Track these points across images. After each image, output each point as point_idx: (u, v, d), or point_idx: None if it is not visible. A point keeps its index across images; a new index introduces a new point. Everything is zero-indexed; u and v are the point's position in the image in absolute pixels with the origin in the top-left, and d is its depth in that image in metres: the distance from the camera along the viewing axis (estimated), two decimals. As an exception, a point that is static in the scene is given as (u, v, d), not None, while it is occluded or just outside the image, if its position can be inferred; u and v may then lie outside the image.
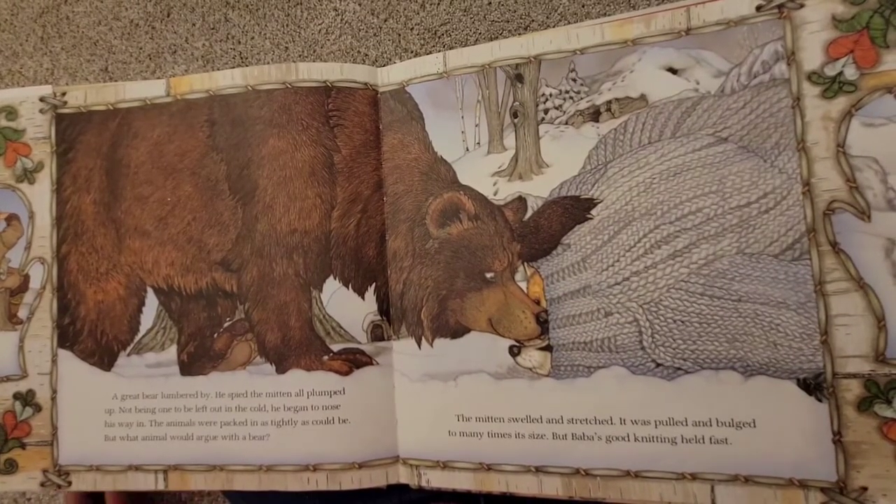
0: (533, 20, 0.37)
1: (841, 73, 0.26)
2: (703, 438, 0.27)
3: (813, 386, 0.26)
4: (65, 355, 0.36)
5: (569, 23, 0.36)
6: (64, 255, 0.37)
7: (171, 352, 0.35)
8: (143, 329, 0.36)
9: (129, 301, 0.36)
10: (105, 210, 0.36)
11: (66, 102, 0.37)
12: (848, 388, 0.25)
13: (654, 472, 0.28)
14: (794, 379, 0.26)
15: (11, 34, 0.39)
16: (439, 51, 0.39)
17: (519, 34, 0.37)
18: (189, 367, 0.35)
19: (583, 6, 0.36)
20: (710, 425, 0.27)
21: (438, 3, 0.38)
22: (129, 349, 0.36)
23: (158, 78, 0.36)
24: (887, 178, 0.25)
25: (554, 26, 0.36)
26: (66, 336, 0.36)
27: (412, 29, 0.38)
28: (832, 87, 0.26)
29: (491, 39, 0.38)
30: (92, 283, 0.36)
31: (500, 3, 0.38)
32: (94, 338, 0.36)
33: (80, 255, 0.36)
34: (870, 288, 0.25)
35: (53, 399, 0.36)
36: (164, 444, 0.35)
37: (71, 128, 0.37)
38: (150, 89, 0.36)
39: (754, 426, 0.26)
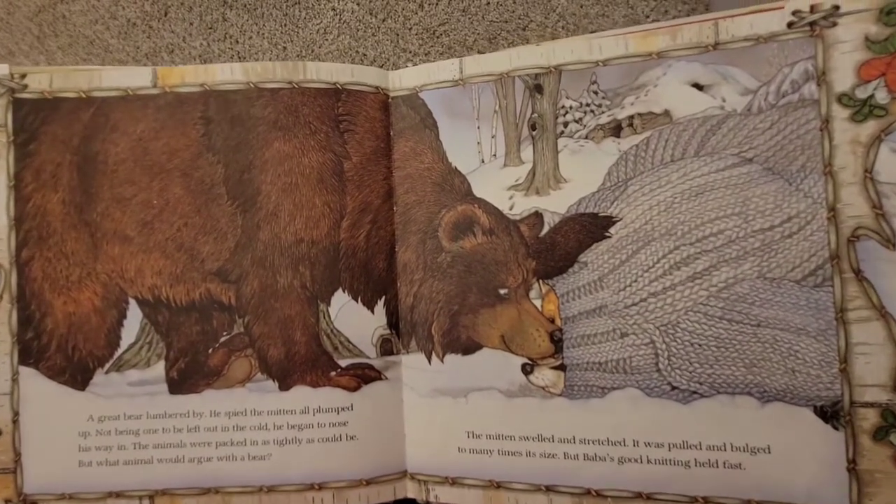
0: (531, 20, 0.34)
1: (872, 97, 0.23)
2: (716, 463, 0.25)
3: (830, 414, 0.23)
4: (28, 373, 0.28)
5: (567, 23, 0.32)
6: (25, 260, 0.28)
7: (158, 368, 0.29)
8: (124, 344, 0.29)
9: (106, 313, 0.29)
10: (76, 211, 0.29)
11: (26, 86, 0.29)
12: (865, 418, 0.23)
13: (665, 495, 0.25)
14: (811, 406, 0.23)
15: (7, 33, 0.33)
16: (438, 51, 0.35)
17: (517, 34, 0.33)
18: (179, 384, 0.29)
19: (581, 6, 0.33)
20: (725, 450, 0.25)
21: (437, 3, 0.34)
22: (107, 366, 0.28)
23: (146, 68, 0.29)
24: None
25: (552, 27, 0.33)
26: (30, 352, 0.28)
27: (410, 29, 0.34)
28: (862, 110, 0.23)
29: (489, 40, 0.34)
30: (61, 293, 0.28)
31: (498, 3, 0.34)
32: (63, 354, 0.28)
33: (45, 261, 0.28)
34: (892, 317, 0.22)
35: (15, 422, 0.28)
36: (150, 468, 0.28)
37: (32, 115, 0.29)
38: (132, 78, 0.28)
39: (769, 452, 0.24)
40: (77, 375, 0.28)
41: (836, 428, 0.23)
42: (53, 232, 0.28)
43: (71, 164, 0.28)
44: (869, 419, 0.23)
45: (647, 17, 0.33)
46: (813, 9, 0.24)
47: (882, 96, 0.22)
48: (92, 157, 0.28)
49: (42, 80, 0.28)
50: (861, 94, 0.23)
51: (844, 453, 0.23)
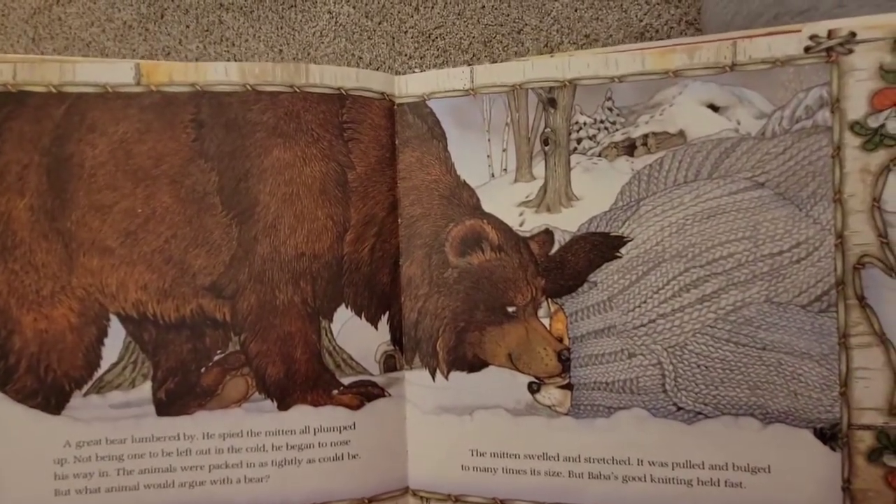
0: (526, 24, 0.33)
1: (883, 126, 0.22)
2: (718, 482, 0.25)
3: (828, 436, 0.24)
4: (-5, 397, 0.26)
5: (562, 27, 0.32)
6: (-11, 273, 0.26)
7: (145, 389, 0.26)
8: (105, 364, 0.26)
9: (84, 331, 0.26)
10: (47, 219, 0.25)
11: (-15, 77, 0.25)
12: (861, 440, 0.23)
13: (668, 511, 0.26)
14: (811, 428, 0.24)
15: (3, 35, 0.31)
16: (433, 54, 0.33)
17: (512, 38, 0.33)
18: (168, 406, 0.26)
19: (575, 10, 0.32)
20: (727, 469, 0.25)
21: (432, 7, 0.33)
22: (85, 388, 0.26)
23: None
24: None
25: (546, 31, 0.32)
26: None
27: (406, 32, 0.33)
28: (873, 139, 0.23)
29: (484, 43, 0.33)
30: (30, 309, 0.25)
31: (493, 7, 0.33)
32: (35, 375, 0.25)
33: (11, 274, 0.25)
34: (891, 344, 0.23)
35: (-18, 449, 0.25)
36: (136, 495, 0.26)
37: None
38: (112, 73, 0.25)
39: (769, 472, 0.24)
40: (50, 398, 0.26)
41: (833, 449, 0.24)
42: (20, 242, 0.25)
43: (40, 165, 0.25)
44: (865, 441, 0.23)
45: (641, 21, 0.33)
46: (830, 34, 0.24)
47: (893, 126, 0.23)
48: (65, 159, 0.25)
49: (4, 71, 0.25)
50: (873, 123, 0.23)
51: (840, 473, 0.23)
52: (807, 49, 0.24)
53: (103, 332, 0.26)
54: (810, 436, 0.24)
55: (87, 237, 0.25)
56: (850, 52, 0.23)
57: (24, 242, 0.25)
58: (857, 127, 0.23)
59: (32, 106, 0.25)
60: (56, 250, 0.25)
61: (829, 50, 0.24)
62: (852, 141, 0.23)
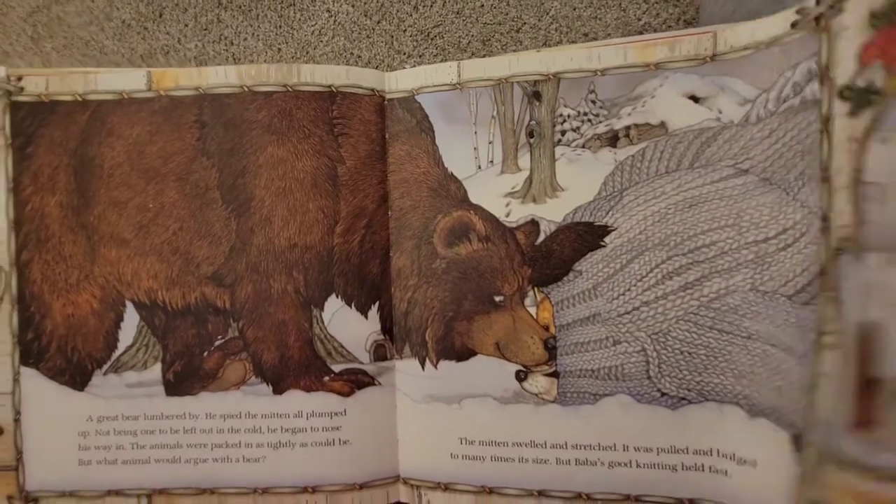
0: (525, 22, 0.34)
1: (871, 83, 0.22)
2: (702, 466, 0.26)
3: (800, 442, 0.24)
4: (29, 374, 0.30)
5: (560, 26, 0.33)
6: (25, 262, 0.30)
7: (155, 370, 0.30)
8: (121, 346, 0.30)
9: (104, 315, 0.30)
10: (74, 214, 0.30)
11: (22, 89, 0.29)
12: (826, 449, 0.24)
13: (653, 497, 0.26)
14: (789, 432, 0.23)
15: (1, 34, 0.34)
16: (432, 52, 0.36)
17: (511, 36, 0.34)
18: (176, 386, 0.30)
19: (574, 9, 0.34)
20: (711, 455, 0.26)
21: (431, 6, 0.35)
22: (105, 367, 0.30)
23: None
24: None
25: (545, 29, 0.34)
26: (30, 353, 0.30)
27: (405, 31, 0.35)
28: (861, 99, 0.22)
29: (483, 42, 0.35)
30: (60, 295, 0.30)
31: (492, 5, 0.35)
32: (63, 355, 0.30)
33: (44, 264, 0.30)
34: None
35: (17, 421, 0.29)
36: (148, 468, 0.30)
37: (29, 118, 0.29)
38: (127, 81, 0.29)
39: (755, 466, 0.24)
40: (76, 376, 0.30)
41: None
42: (52, 235, 0.30)
43: (68, 167, 0.29)
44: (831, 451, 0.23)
45: (639, 20, 0.34)
46: (819, 1, 0.23)
47: (879, 78, 0.22)
48: (88, 160, 0.29)
49: (38, 83, 0.29)
50: (861, 82, 0.22)
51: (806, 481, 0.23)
52: (793, 24, 0.24)
53: (120, 317, 0.30)
54: (787, 440, 0.24)
55: (106, 230, 0.29)
56: (841, 11, 0.22)
57: (55, 235, 0.29)
58: (846, 92, 0.23)
59: (61, 113, 0.29)
60: (81, 242, 0.29)
61: (818, 18, 0.24)
62: (841, 109, 0.23)
